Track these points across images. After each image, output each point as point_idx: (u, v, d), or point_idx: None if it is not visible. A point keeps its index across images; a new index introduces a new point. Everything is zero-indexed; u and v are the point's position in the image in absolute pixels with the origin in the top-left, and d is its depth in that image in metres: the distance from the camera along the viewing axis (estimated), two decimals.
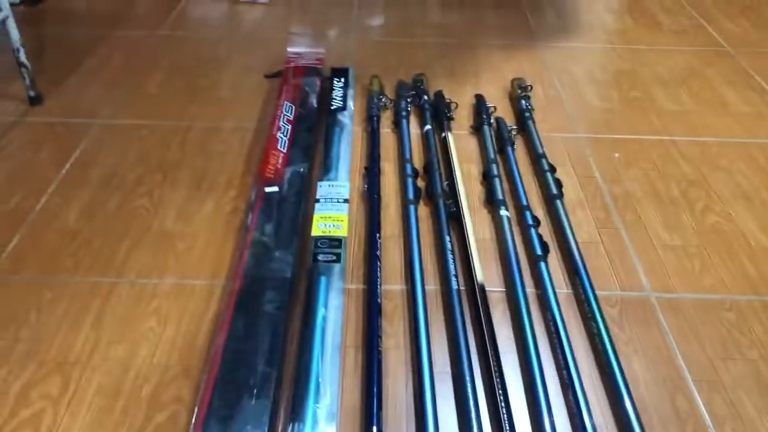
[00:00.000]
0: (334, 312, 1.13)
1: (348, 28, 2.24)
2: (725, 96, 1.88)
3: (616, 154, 1.61)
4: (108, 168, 1.52)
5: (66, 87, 1.84)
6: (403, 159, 1.55)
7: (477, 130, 1.68)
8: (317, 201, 1.38)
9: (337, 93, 1.76)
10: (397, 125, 1.69)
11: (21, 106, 1.74)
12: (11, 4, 1.66)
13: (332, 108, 1.70)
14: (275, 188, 1.38)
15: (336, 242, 1.27)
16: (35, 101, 1.75)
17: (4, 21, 1.62)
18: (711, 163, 1.59)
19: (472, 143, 1.65)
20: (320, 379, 1.02)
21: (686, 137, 1.69)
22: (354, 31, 2.23)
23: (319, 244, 1.26)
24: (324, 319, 1.11)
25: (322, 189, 1.41)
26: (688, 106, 1.83)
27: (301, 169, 1.45)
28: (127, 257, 1.28)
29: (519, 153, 1.60)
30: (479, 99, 1.78)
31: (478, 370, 1.07)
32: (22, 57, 1.69)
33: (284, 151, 1.50)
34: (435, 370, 1.06)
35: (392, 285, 1.24)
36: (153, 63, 1.98)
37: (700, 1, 2.51)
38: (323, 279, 1.19)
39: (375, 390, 1.02)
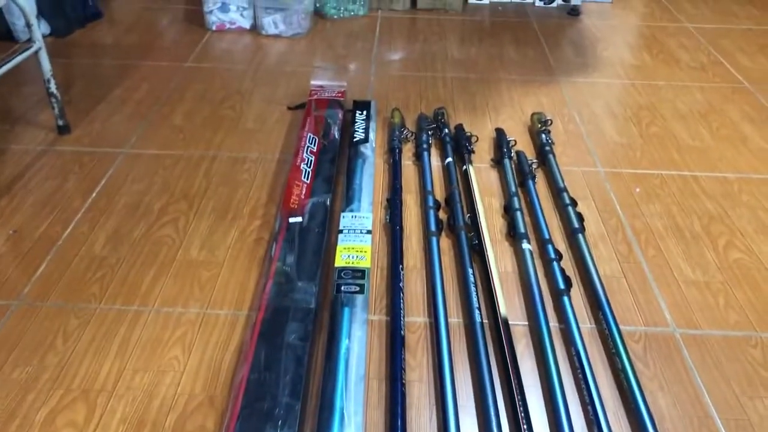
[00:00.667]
0: (358, 343, 1.14)
1: (369, 62, 2.28)
2: (745, 132, 1.88)
3: (637, 189, 1.62)
4: (134, 197, 1.54)
5: (94, 117, 1.88)
6: (424, 191, 1.56)
7: (498, 163, 1.69)
8: (340, 232, 1.39)
9: (360, 125, 1.79)
10: (418, 157, 1.70)
11: (50, 135, 1.78)
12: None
13: (354, 140, 1.72)
14: (299, 219, 1.40)
15: (359, 273, 1.27)
16: (64, 130, 1.78)
17: (36, 52, 1.67)
18: (732, 199, 1.59)
19: (493, 176, 1.66)
20: (344, 411, 1.02)
21: (707, 173, 1.69)
22: (375, 64, 2.26)
23: (342, 275, 1.27)
24: (348, 350, 1.12)
25: (345, 220, 1.42)
26: (708, 142, 1.83)
27: (325, 201, 1.47)
28: (153, 285, 1.30)
29: (540, 186, 1.61)
30: (500, 133, 1.79)
31: (503, 404, 1.06)
32: (53, 87, 1.73)
33: (308, 182, 1.52)
34: (459, 404, 1.06)
35: (415, 317, 1.24)
36: (179, 94, 2.02)
37: (717, 38, 2.53)
38: (347, 310, 1.19)
39: (399, 423, 1.02)
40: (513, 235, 1.43)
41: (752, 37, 2.55)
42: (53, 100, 1.74)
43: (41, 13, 2.32)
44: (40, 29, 2.23)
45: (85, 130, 1.81)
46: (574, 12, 2.74)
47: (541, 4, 2.83)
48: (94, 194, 1.55)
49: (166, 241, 1.41)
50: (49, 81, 1.72)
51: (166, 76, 2.13)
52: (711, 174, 1.69)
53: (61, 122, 1.78)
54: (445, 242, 1.43)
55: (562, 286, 1.29)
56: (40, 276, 1.31)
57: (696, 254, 1.42)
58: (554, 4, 2.83)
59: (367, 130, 1.77)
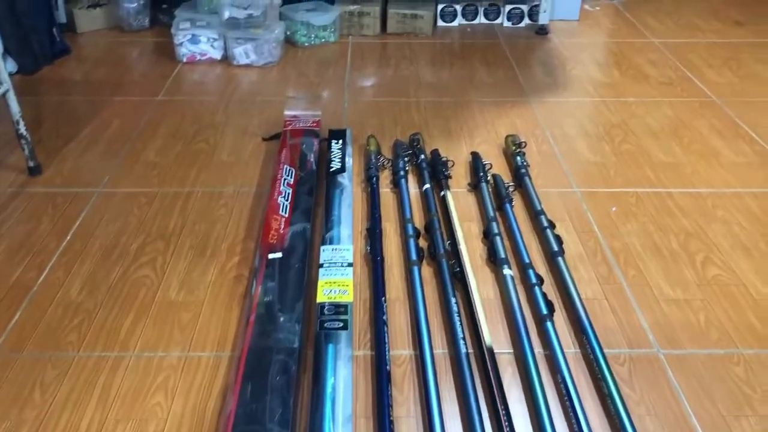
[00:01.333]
0: (344, 381, 1.12)
1: (342, 89, 2.28)
2: (716, 146, 1.92)
3: (614, 208, 1.63)
4: (109, 238, 1.52)
5: (65, 156, 1.85)
6: (404, 219, 1.56)
7: (475, 187, 1.70)
8: (321, 266, 1.38)
9: (336, 154, 1.78)
10: (396, 185, 1.70)
11: (20, 177, 1.75)
12: (8, 74, 1.68)
13: (331, 170, 1.71)
14: (278, 254, 1.39)
15: (342, 308, 1.26)
16: (35, 171, 1.76)
17: (4, 94, 1.64)
18: (708, 215, 1.61)
19: (470, 201, 1.66)
20: None
21: (681, 188, 1.72)
22: (348, 91, 2.27)
23: (325, 311, 1.25)
24: (334, 388, 1.10)
25: (326, 253, 1.41)
26: (680, 158, 1.86)
27: (304, 234, 1.46)
28: (132, 330, 1.27)
29: (517, 209, 1.61)
30: (475, 157, 1.80)
31: None
32: (22, 129, 1.70)
33: (286, 215, 1.51)
34: None
35: (400, 350, 1.23)
36: (152, 129, 2.00)
37: (683, 53, 2.58)
38: (331, 347, 1.18)
39: None
40: (493, 260, 1.44)
41: (717, 51, 2.60)
42: (23, 141, 1.72)
43: (7, 51, 2.29)
44: (7, 67, 2.21)
45: (56, 170, 1.78)
46: (542, 31, 2.78)
47: (510, 24, 2.87)
48: (68, 237, 1.53)
49: (145, 283, 1.39)
50: (18, 122, 1.69)
51: (138, 111, 2.11)
52: (685, 190, 1.71)
53: (31, 163, 1.75)
54: (427, 270, 1.43)
55: (544, 311, 1.29)
56: (15, 325, 1.28)
57: (675, 272, 1.43)
58: (522, 24, 2.87)
59: (343, 159, 1.77)
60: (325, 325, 1.23)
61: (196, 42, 2.44)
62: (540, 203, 1.60)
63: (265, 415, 1.04)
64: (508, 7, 2.84)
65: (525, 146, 1.85)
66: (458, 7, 2.84)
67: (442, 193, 1.64)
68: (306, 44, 2.62)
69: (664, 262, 1.46)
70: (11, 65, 2.31)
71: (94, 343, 1.24)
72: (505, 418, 1.07)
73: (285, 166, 1.69)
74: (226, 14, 2.41)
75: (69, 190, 1.70)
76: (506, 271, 1.38)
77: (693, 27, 2.87)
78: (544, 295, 1.33)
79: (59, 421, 1.09)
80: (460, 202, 1.65)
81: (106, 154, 1.87)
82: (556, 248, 1.46)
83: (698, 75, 2.38)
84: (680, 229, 1.56)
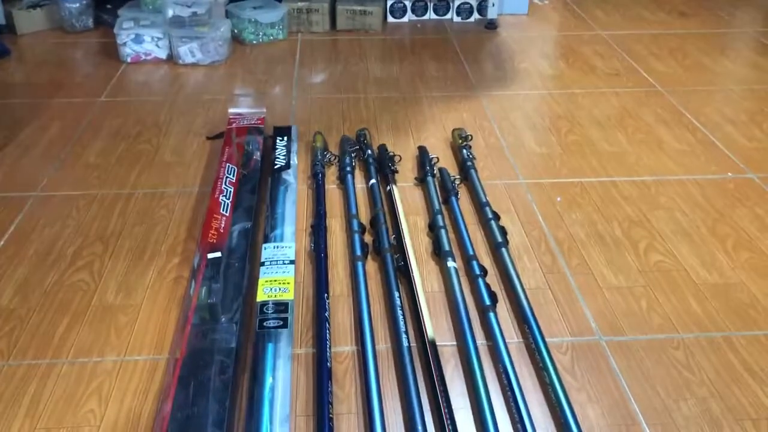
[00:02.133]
0: (283, 380, 1.10)
1: (290, 86, 2.25)
2: (660, 135, 1.94)
3: (558, 199, 1.64)
4: (45, 242, 1.47)
5: (1, 160, 1.79)
6: (349, 214, 1.54)
7: (421, 181, 1.69)
8: (262, 264, 1.35)
9: (281, 152, 1.76)
10: (342, 180, 1.69)
11: None
12: None
13: (276, 167, 1.69)
14: (218, 254, 1.36)
15: (282, 306, 1.24)
16: None
17: None
18: (651, 202, 1.63)
19: (417, 195, 1.65)
20: None
21: (625, 177, 1.73)
22: (296, 88, 2.24)
23: (264, 310, 1.23)
24: (272, 388, 1.08)
25: (267, 251, 1.39)
26: (625, 147, 1.88)
27: (245, 232, 1.43)
28: (66, 336, 1.23)
29: (463, 202, 1.61)
30: (422, 150, 1.79)
31: (432, 430, 1.05)
32: None
33: (227, 214, 1.48)
34: None
35: (342, 346, 1.22)
36: (93, 131, 1.95)
37: (630, 44, 2.61)
38: (270, 346, 1.16)
39: None
40: (438, 253, 1.43)
41: (663, 41, 2.64)
42: None
43: None
44: None
45: None
46: (492, 26, 2.79)
47: (459, 19, 2.87)
48: (1, 242, 1.47)
49: (81, 287, 1.35)
50: None
51: (79, 113, 2.05)
52: (629, 178, 1.73)
53: None
54: (372, 266, 1.41)
55: (488, 302, 1.28)
56: None
57: (618, 260, 1.44)
58: (472, 19, 2.87)
59: (288, 156, 1.74)
60: (265, 324, 1.20)
61: (140, 42, 2.39)
62: (485, 195, 1.60)
63: (200, 418, 1.01)
64: (457, 2, 2.84)
65: (471, 139, 1.85)
66: (408, 3, 2.83)
67: (389, 187, 1.63)
68: (254, 42, 2.59)
69: (608, 250, 1.47)
70: None
71: (25, 351, 1.20)
72: (446, 410, 1.06)
73: (227, 164, 1.66)
74: (170, 12, 2.36)
75: (4, 194, 1.64)
76: (450, 264, 1.37)
77: (639, 18, 2.91)
78: (488, 286, 1.32)
79: None
80: (406, 196, 1.64)
81: (45, 158, 1.81)
82: (500, 239, 1.45)
83: (644, 65, 2.41)
84: (624, 217, 1.57)
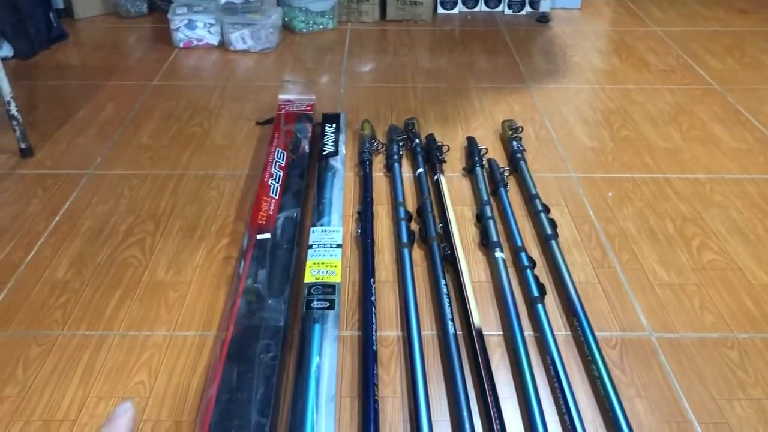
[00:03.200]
0: (329, 360, 1.11)
1: (339, 75, 2.26)
2: (715, 133, 1.89)
3: (610, 193, 1.61)
4: (99, 219, 1.51)
5: (57, 139, 1.84)
6: (396, 202, 1.54)
7: (469, 172, 1.68)
8: (310, 247, 1.36)
9: (329, 138, 1.76)
10: (389, 169, 1.68)
11: (12, 159, 1.74)
12: (3, 59, 1.67)
13: (324, 153, 1.70)
14: (267, 235, 1.37)
15: (329, 288, 1.25)
16: (26, 153, 1.74)
17: None
18: (705, 200, 1.59)
19: (464, 185, 1.64)
20: (315, 430, 0.99)
21: (679, 174, 1.69)
22: (345, 77, 2.25)
23: (312, 291, 1.24)
24: (318, 368, 1.09)
25: (315, 235, 1.39)
26: (679, 144, 1.83)
27: (294, 215, 1.44)
28: (118, 309, 1.26)
29: (512, 194, 1.59)
30: (471, 141, 1.78)
31: (478, 418, 1.04)
32: (13, 110, 1.69)
33: (276, 197, 1.50)
34: (433, 419, 1.03)
35: (388, 331, 1.21)
36: (146, 113, 1.98)
37: (685, 41, 2.55)
38: (317, 327, 1.16)
39: None
40: (486, 244, 1.42)
41: (719, 39, 2.57)
42: (14, 122, 1.70)
43: (3, 36, 2.28)
44: (3, 51, 2.21)
45: (48, 153, 1.77)
46: (543, 19, 2.75)
47: (511, 12, 2.84)
48: (57, 218, 1.51)
49: (132, 263, 1.38)
50: (9, 103, 1.68)
51: (133, 96, 2.09)
52: (683, 175, 1.69)
53: (23, 145, 1.74)
54: (418, 254, 1.41)
55: (536, 293, 1.27)
56: (1, 303, 1.27)
57: (670, 257, 1.41)
58: (523, 12, 2.84)
59: (336, 143, 1.75)
60: (312, 304, 1.21)
61: (193, 27, 2.42)
62: (535, 187, 1.58)
63: (246, 404, 1.02)
64: None
65: (522, 131, 1.83)
66: None
67: (436, 177, 1.62)
68: (304, 30, 2.60)
69: (660, 246, 1.44)
70: (7, 49, 2.30)
71: (79, 322, 1.23)
72: (492, 398, 1.05)
73: (277, 149, 1.67)
74: None
75: (60, 171, 1.69)
76: (498, 254, 1.36)
77: (696, 15, 2.84)
78: (536, 277, 1.31)
79: (41, 398, 1.08)
80: (454, 186, 1.63)
81: (99, 137, 1.85)
82: (549, 232, 1.43)
83: (700, 63, 2.35)
84: (677, 214, 1.54)
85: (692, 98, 2.09)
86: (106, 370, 1.13)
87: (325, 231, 1.41)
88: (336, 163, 1.67)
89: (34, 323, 1.22)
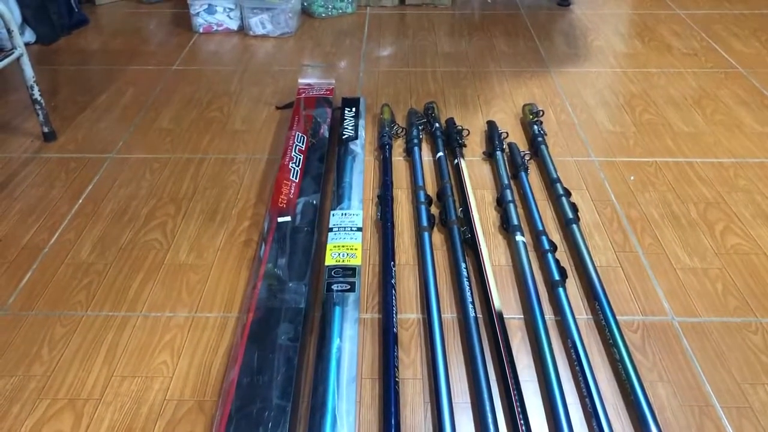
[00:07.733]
0: (350, 342, 1.11)
1: (358, 59, 2.25)
2: (739, 116, 1.86)
3: (632, 177, 1.59)
4: (121, 202, 1.52)
5: (80, 123, 1.85)
6: (416, 186, 1.53)
7: (490, 156, 1.67)
8: (330, 230, 1.36)
9: (349, 122, 1.76)
10: (409, 153, 1.68)
11: (35, 143, 1.75)
12: (26, 44, 1.68)
13: (344, 137, 1.70)
14: (288, 218, 1.38)
15: (350, 271, 1.25)
16: (49, 137, 1.76)
17: (18, 59, 1.64)
18: (729, 184, 1.57)
19: (485, 169, 1.64)
20: (336, 412, 0.99)
21: (702, 158, 1.67)
22: (364, 61, 2.24)
23: (333, 274, 1.24)
24: (339, 349, 1.09)
25: (335, 218, 1.40)
26: (702, 128, 1.81)
27: (314, 199, 1.45)
28: (141, 291, 1.27)
29: (533, 178, 1.58)
30: (491, 125, 1.77)
31: (498, 400, 1.04)
32: (36, 94, 1.71)
33: (296, 180, 1.50)
34: (454, 401, 1.03)
35: (408, 314, 1.22)
36: (166, 97, 1.99)
37: (709, 24, 2.51)
38: (338, 309, 1.17)
39: (393, 422, 0.99)
40: (506, 227, 1.41)
41: (745, 21, 2.53)
42: (37, 107, 1.72)
43: (26, 21, 2.30)
44: (25, 37, 2.23)
45: (71, 137, 1.79)
46: (565, 2, 2.72)
47: None
48: (80, 200, 1.53)
49: (154, 246, 1.39)
50: (32, 87, 1.69)
51: (153, 80, 2.10)
52: (706, 160, 1.67)
53: (46, 129, 1.75)
54: (438, 237, 1.40)
55: (557, 277, 1.26)
56: (26, 284, 1.29)
57: (693, 241, 1.39)
58: None
59: (356, 127, 1.75)
60: (333, 287, 1.21)
61: (213, 12, 2.42)
62: (556, 171, 1.57)
63: (266, 388, 1.02)
64: None
65: (542, 115, 1.81)
66: None
67: (456, 160, 1.62)
68: (323, 15, 2.59)
69: (683, 231, 1.42)
70: (29, 35, 2.32)
71: (102, 303, 1.24)
72: (513, 382, 1.05)
73: (297, 133, 1.67)
74: None
75: (82, 155, 1.70)
76: (519, 238, 1.35)
77: None
78: (557, 261, 1.30)
79: (66, 377, 1.09)
80: (474, 170, 1.62)
81: (121, 121, 1.87)
82: (571, 216, 1.42)
83: (724, 46, 2.32)
84: (700, 199, 1.52)
85: (716, 82, 2.06)
86: (129, 350, 1.15)
87: (345, 214, 1.41)
88: (356, 147, 1.67)
89: (58, 304, 1.24)
